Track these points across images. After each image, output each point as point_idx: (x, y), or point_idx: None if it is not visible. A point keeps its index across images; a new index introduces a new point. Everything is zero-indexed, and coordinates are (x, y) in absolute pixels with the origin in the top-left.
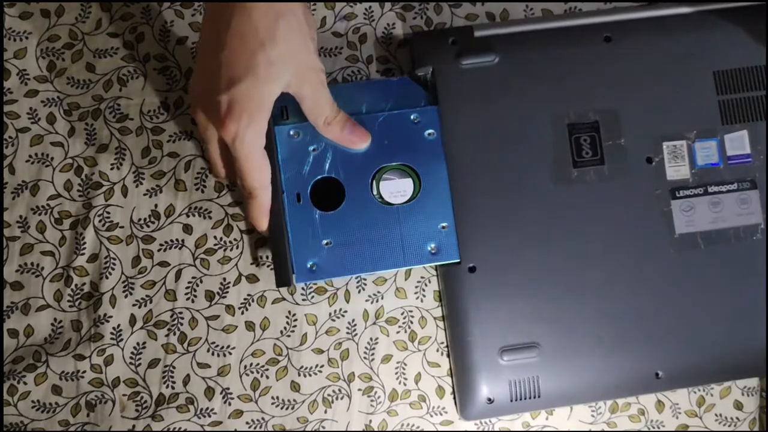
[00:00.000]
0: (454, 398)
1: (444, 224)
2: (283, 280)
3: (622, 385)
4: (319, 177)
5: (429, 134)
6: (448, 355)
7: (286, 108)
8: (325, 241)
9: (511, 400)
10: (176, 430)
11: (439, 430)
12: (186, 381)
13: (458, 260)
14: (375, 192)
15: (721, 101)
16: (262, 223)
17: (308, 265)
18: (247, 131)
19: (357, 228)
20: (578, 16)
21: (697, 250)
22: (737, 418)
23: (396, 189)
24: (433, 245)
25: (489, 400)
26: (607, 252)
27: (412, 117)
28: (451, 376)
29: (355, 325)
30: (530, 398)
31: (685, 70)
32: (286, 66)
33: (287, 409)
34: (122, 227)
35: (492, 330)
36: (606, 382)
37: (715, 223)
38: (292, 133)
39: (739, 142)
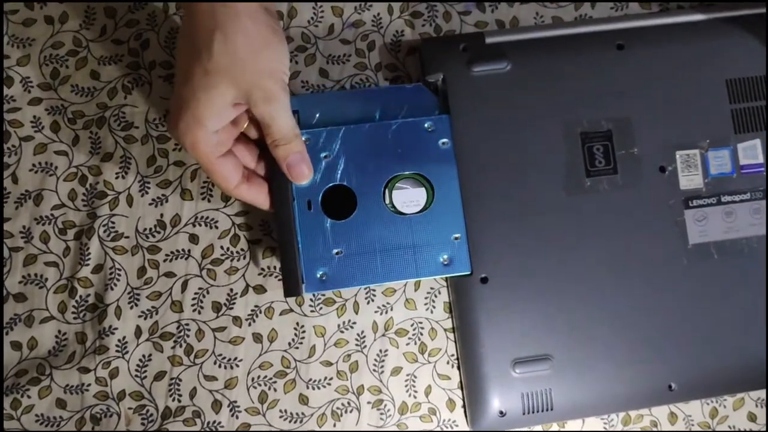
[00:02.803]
0: (465, 411)
1: (457, 235)
2: (291, 289)
3: (635, 397)
4: (330, 185)
5: (443, 143)
6: (459, 368)
7: (297, 113)
8: (335, 251)
9: (524, 413)
10: None
11: None
12: (193, 394)
13: (469, 272)
14: (387, 201)
15: (733, 110)
16: (263, 204)
17: (318, 275)
18: (186, 138)
19: (368, 238)
20: (590, 23)
21: (711, 260)
22: (751, 430)
23: (409, 198)
24: (445, 256)
25: (501, 413)
26: (620, 262)
27: (426, 125)
28: (462, 389)
29: (364, 336)
30: (543, 411)
31: (697, 78)
32: (225, 79)
33: (295, 422)
34: (127, 237)
35: (504, 342)
36: (619, 393)
37: (729, 233)
38: (303, 139)
39: (752, 151)
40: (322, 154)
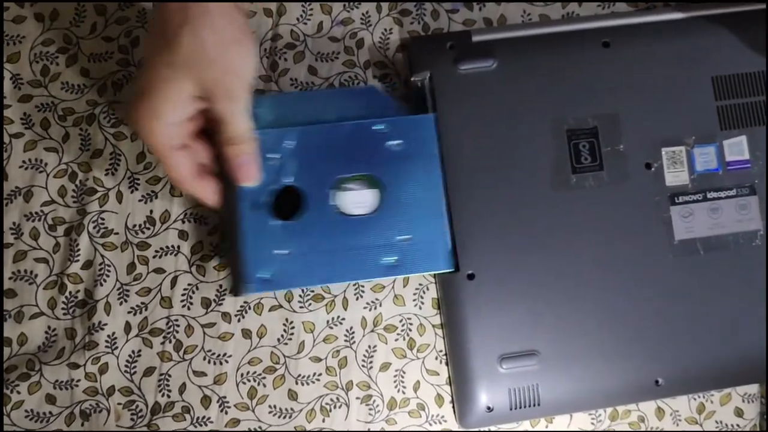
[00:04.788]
0: (453, 406)
1: (406, 237)
2: (236, 288)
3: (622, 392)
4: (279, 187)
5: (395, 145)
6: (447, 363)
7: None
8: (282, 251)
9: (511, 409)
10: None
11: None
12: (182, 389)
13: (427, 272)
14: (336, 202)
15: (719, 107)
16: (211, 201)
17: (263, 275)
18: (142, 128)
19: (316, 238)
20: (577, 21)
21: (697, 256)
22: (738, 425)
23: (358, 200)
24: (393, 258)
25: (488, 408)
26: (607, 258)
27: (377, 127)
28: (450, 385)
29: (353, 332)
30: (530, 406)
31: (683, 75)
32: (187, 73)
33: (285, 417)
34: (117, 233)
35: (491, 338)
36: (606, 389)
37: (715, 229)
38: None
39: (737, 147)
40: (273, 155)
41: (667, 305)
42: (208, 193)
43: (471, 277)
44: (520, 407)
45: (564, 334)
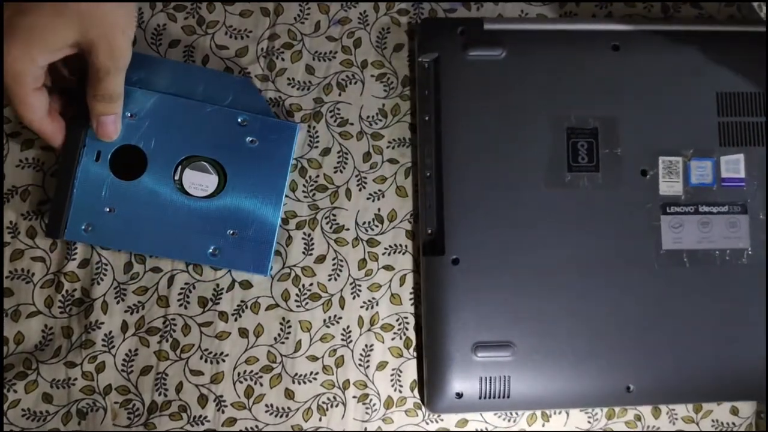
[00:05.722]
0: (422, 390)
1: (234, 231)
2: (53, 230)
3: (592, 395)
4: (125, 143)
5: (251, 141)
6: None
7: None
8: (108, 207)
9: (480, 397)
10: None
11: None
12: (179, 388)
13: (244, 271)
14: (177, 177)
15: (721, 123)
16: (58, 142)
17: (83, 225)
18: (12, 67)
19: (145, 205)
20: (589, 21)
21: (682, 268)
22: (733, 424)
23: (199, 181)
24: (214, 248)
25: (458, 394)
26: (592, 260)
27: (239, 119)
28: (420, 368)
29: (350, 331)
30: (500, 397)
31: (689, 87)
32: (72, 22)
33: (281, 416)
34: None
35: (468, 324)
36: (577, 390)
37: (702, 243)
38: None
39: (734, 165)
40: (129, 113)
41: (645, 313)
42: (55, 133)
43: (455, 262)
44: (490, 397)
45: (541, 330)
